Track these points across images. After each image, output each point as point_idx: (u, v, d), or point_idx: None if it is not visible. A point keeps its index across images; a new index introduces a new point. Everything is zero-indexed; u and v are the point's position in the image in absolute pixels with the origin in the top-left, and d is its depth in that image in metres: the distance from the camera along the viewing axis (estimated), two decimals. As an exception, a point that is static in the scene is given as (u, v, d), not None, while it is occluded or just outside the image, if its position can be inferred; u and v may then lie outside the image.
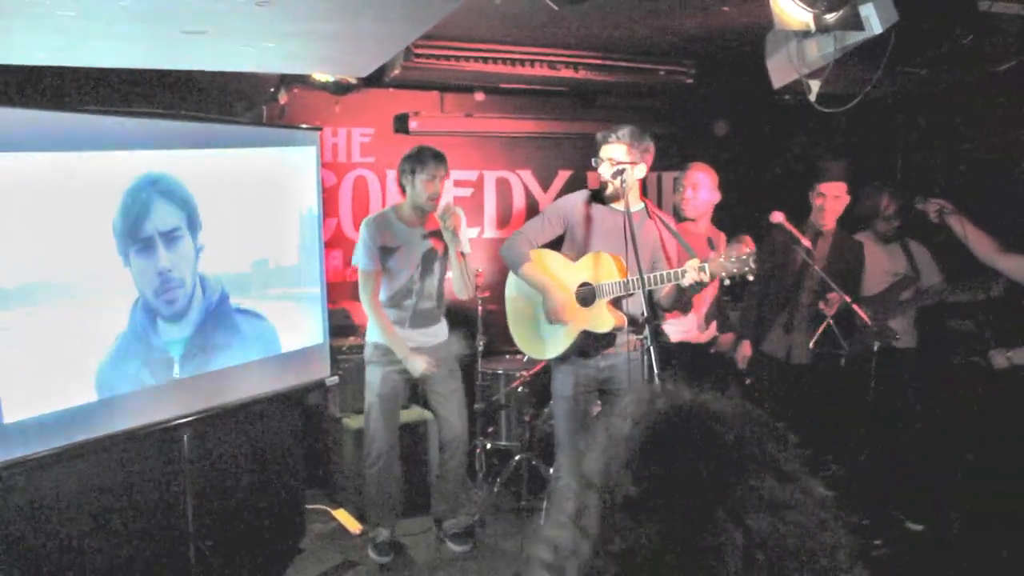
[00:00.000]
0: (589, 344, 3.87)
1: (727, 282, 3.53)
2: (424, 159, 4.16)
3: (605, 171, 3.77)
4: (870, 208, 4.73)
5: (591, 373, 3.91)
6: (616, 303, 3.82)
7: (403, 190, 4.29)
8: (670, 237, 3.84)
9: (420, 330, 4.34)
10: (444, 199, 4.32)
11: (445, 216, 4.13)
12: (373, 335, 4.35)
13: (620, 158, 3.74)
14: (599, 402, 4.12)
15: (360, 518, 4.73)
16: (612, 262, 3.79)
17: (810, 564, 0.74)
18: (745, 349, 4.64)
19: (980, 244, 4.25)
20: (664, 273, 3.59)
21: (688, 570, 0.72)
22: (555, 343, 3.90)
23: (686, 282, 3.50)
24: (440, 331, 4.44)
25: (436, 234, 4.26)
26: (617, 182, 3.68)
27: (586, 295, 3.83)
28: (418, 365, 4.21)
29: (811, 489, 0.78)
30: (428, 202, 4.18)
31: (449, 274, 4.36)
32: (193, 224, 3.69)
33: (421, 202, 4.19)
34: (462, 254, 4.22)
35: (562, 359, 3.92)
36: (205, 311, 3.75)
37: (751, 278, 3.52)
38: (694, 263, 3.49)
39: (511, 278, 4.09)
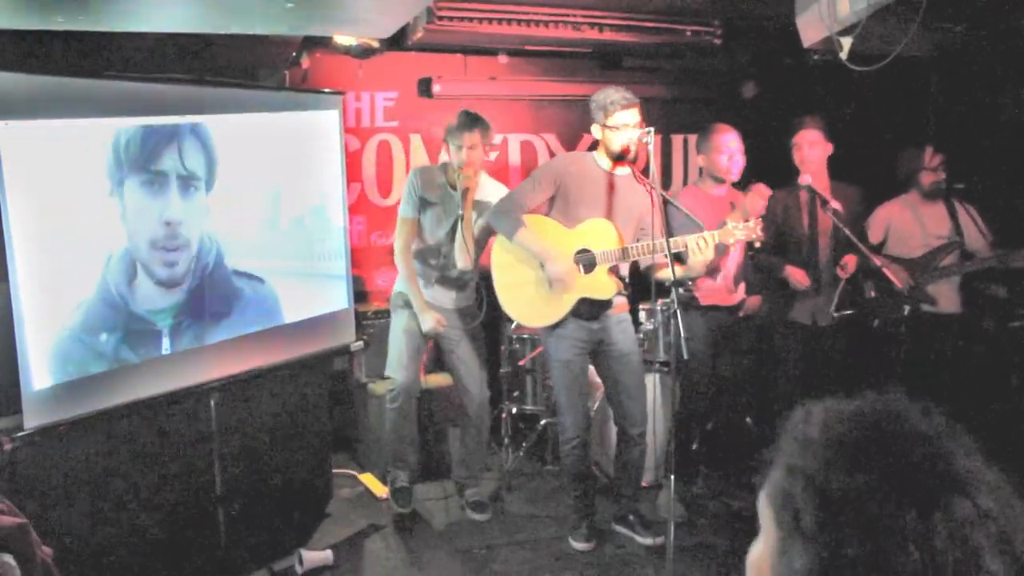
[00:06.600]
0: (586, 310, 3.85)
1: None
2: (451, 128, 4.10)
3: (633, 135, 3.70)
4: (912, 165, 4.60)
5: (584, 336, 3.90)
6: (613, 268, 3.80)
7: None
8: (659, 206, 3.75)
9: (443, 289, 4.32)
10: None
11: (460, 176, 4.06)
12: (401, 284, 4.36)
13: (636, 121, 3.71)
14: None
15: (385, 481, 4.75)
16: (611, 228, 3.74)
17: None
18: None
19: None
20: (689, 237, 3.61)
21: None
22: (554, 311, 3.86)
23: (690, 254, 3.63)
24: (463, 297, 4.40)
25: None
26: (647, 147, 3.60)
27: (586, 262, 3.79)
28: (428, 320, 4.21)
29: (1003, 494, 0.78)
30: (459, 170, 4.07)
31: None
32: (210, 181, 3.63)
33: (456, 168, 4.12)
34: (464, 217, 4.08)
35: (556, 324, 3.89)
36: (201, 275, 3.64)
37: (758, 245, 3.72)
38: (697, 237, 3.62)
39: (500, 243, 3.98)
